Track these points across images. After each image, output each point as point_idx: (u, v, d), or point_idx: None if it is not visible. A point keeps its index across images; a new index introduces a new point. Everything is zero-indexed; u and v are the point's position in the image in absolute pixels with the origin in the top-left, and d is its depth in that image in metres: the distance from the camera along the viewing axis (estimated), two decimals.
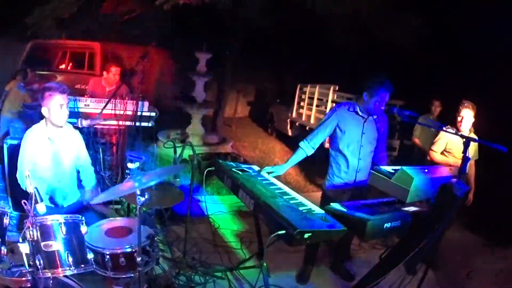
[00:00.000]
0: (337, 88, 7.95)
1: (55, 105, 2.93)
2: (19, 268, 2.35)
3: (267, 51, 11.80)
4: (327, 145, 3.73)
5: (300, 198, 2.84)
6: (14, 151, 3.41)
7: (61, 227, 2.28)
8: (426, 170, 2.63)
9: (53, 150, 3.06)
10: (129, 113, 4.41)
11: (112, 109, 4.33)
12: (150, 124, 4.68)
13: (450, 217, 2.48)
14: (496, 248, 4.83)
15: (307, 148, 3.44)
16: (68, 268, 2.28)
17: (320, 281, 3.77)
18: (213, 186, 5.94)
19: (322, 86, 8.57)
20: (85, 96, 4.77)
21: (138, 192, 2.24)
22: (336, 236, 2.63)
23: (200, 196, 5.33)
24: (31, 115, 5.26)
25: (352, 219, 2.46)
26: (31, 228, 2.21)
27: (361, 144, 3.39)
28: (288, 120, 9.89)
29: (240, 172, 3.20)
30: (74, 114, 4.08)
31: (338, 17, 7.91)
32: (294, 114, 9.58)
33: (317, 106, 8.50)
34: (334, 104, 7.16)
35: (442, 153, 4.15)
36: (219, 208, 5.27)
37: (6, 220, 2.39)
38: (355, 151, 3.41)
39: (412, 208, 2.65)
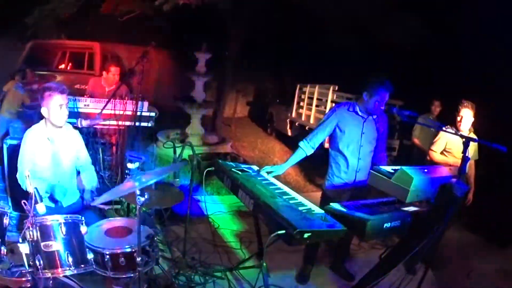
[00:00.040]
0: (336, 88, 7.96)
1: (55, 105, 2.93)
2: (19, 268, 2.34)
3: (267, 51, 11.81)
4: (326, 145, 3.73)
5: (300, 198, 2.84)
6: (14, 151, 3.41)
7: (61, 227, 2.28)
8: (425, 170, 2.63)
9: (53, 150, 3.06)
10: (129, 113, 4.41)
11: (111, 109, 4.33)
12: (149, 124, 4.68)
13: (450, 217, 2.48)
14: (496, 248, 4.83)
15: (306, 148, 3.44)
16: (68, 268, 2.28)
17: (320, 281, 3.77)
18: (213, 186, 5.94)
19: (321, 86, 8.57)
20: (85, 96, 4.76)
21: (138, 192, 2.24)
22: (336, 236, 2.63)
23: (200, 196, 5.33)
24: (30, 115, 5.26)
25: (351, 219, 2.45)
26: (31, 228, 2.21)
27: (360, 144, 3.39)
28: (288, 120, 9.89)
29: (240, 172, 3.20)
30: (74, 114, 4.08)
31: (338, 17, 7.92)
32: (293, 114, 9.59)
33: (316, 106, 8.50)
34: (333, 104, 7.16)
35: (441, 153, 4.15)
36: (218, 208, 5.27)
37: (6, 220, 2.38)
38: (355, 151, 3.41)
39: (411, 208, 2.65)
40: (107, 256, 2.37)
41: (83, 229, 2.38)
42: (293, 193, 2.93)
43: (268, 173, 3.33)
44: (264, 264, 2.99)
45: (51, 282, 2.30)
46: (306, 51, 11.11)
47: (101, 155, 4.58)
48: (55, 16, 9.40)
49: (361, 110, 3.38)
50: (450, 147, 4.08)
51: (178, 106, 7.80)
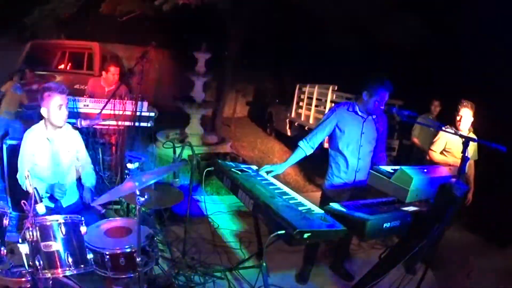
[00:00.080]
0: (336, 88, 7.95)
1: (54, 106, 2.93)
2: (18, 268, 2.34)
3: (266, 51, 11.81)
4: (326, 145, 3.73)
5: (300, 198, 2.83)
6: (14, 151, 3.41)
7: (60, 227, 2.28)
8: (425, 170, 2.63)
9: (52, 150, 3.06)
10: (128, 113, 4.41)
11: (111, 109, 4.33)
12: (149, 124, 4.67)
13: (450, 217, 2.48)
14: (496, 248, 4.84)
15: (306, 148, 3.44)
16: (67, 269, 2.28)
17: (319, 281, 3.77)
18: (212, 186, 5.95)
19: (321, 86, 8.57)
20: (84, 96, 4.76)
21: (138, 193, 2.24)
22: (336, 236, 2.63)
23: (200, 196, 5.33)
24: (30, 115, 5.26)
25: (351, 219, 2.45)
26: (30, 229, 2.20)
27: (360, 144, 3.39)
28: (287, 120, 9.89)
29: (239, 172, 3.20)
30: (73, 114, 4.07)
31: (338, 17, 7.92)
32: (293, 114, 9.59)
33: (316, 106, 8.51)
34: (333, 104, 7.17)
35: (441, 152, 4.15)
36: (218, 208, 5.27)
37: (5, 221, 2.39)
38: (355, 151, 3.41)
39: (411, 208, 2.65)
40: (107, 256, 2.37)
41: (83, 229, 2.38)
42: (293, 193, 2.93)
43: (267, 172, 3.33)
44: (264, 264, 2.99)
45: (51, 282, 2.30)
46: (306, 51, 11.11)
47: (100, 155, 4.57)
48: (55, 16, 9.41)
49: (360, 110, 3.38)
50: (450, 147, 4.08)
51: (177, 106, 7.80)
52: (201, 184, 5.62)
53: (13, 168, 3.16)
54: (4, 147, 3.84)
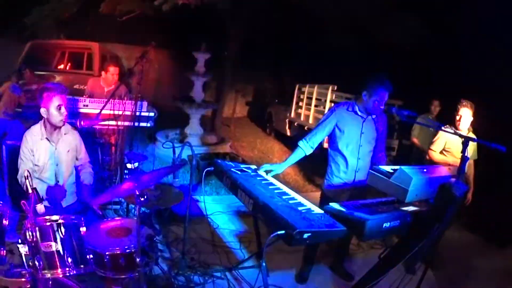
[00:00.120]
0: (335, 88, 7.95)
1: (54, 106, 2.93)
2: (18, 269, 2.34)
3: (266, 51, 11.81)
4: (326, 144, 3.73)
5: (299, 198, 2.83)
6: (13, 152, 3.41)
7: (60, 227, 2.28)
8: (425, 170, 2.63)
9: (52, 151, 3.06)
10: (128, 113, 4.41)
11: (111, 109, 4.33)
12: (149, 124, 4.68)
13: (449, 217, 2.48)
14: (496, 248, 4.84)
15: (306, 148, 3.44)
16: (67, 269, 2.28)
17: (319, 281, 3.77)
18: (212, 186, 5.95)
19: (320, 86, 8.57)
20: (84, 96, 4.77)
21: (137, 193, 2.24)
22: (335, 236, 2.63)
23: (199, 196, 5.33)
24: (30, 115, 5.25)
25: (351, 219, 2.45)
26: (30, 229, 2.21)
27: (360, 144, 3.39)
28: (287, 120, 9.89)
29: (239, 172, 3.20)
30: (73, 115, 4.08)
31: (337, 17, 7.92)
32: (292, 114, 9.59)
33: (315, 106, 8.50)
34: (332, 104, 7.17)
35: (441, 152, 4.16)
36: (218, 208, 5.27)
37: (5, 221, 2.39)
38: (354, 150, 3.41)
39: (411, 208, 2.65)
40: (107, 257, 2.37)
41: (83, 229, 2.38)
42: (293, 193, 2.93)
43: (267, 172, 3.33)
44: (264, 264, 2.99)
45: (50, 282, 2.30)
46: (305, 51, 11.11)
47: (100, 155, 4.58)
48: (55, 16, 9.41)
49: (360, 110, 3.38)
50: (449, 146, 4.08)
51: (177, 106, 7.81)
52: (200, 184, 5.62)
53: (13, 168, 3.16)
54: (4, 147, 3.83)
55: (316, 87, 8.61)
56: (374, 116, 3.41)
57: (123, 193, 2.58)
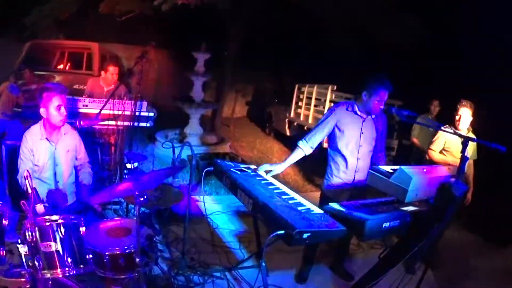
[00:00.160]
0: (335, 88, 7.95)
1: (53, 106, 2.93)
2: (18, 269, 2.34)
3: (266, 51, 11.80)
4: (325, 144, 3.73)
5: (299, 198, 2.83)
6: (13, 152, 3.41)
7: (60, 227, 2.28)
8: (424, 170, 2.63)
9: (52, 150, 3.06)
10: (128, 113, 4.41)
11: (110, 109, 4.33)
12: (148, 124, 4.67)
13: (449, 217, 2.48)
14: (495, 247, 4.84)
15: (305, 148, 3.43)
16: (67, 269, 2.28)
17: (319, 281, 3.77)
18: (212, 186, 5.95)
19: (320, 86, 8.56)
20: (84, 96, 4.76)
21: (137, 193, 2.24)
22: (335, 236, 2.63)
23: (199, 196, 5.33)
24: (29, 115, 5.23)
25: (350, 218, 2.45)
26: (30, 229, 2.20)
27: (359, 144, 3.39)
28: (286, 120, 9.89)
29: (239, 172, 3.20)
30: (73, 115, 4.07)
31: (337, 17, 7.92)
32: (292, 114, 9.58)
33: (315, 106, 8.50)
34: (332, 104, 7.16)
35: (440, 152, 4.16)
36: (217, 208, 5.27)
37: (5, 221, 2.38)
38: (354, 150, 3.40)
39: (411, 208, 2.65)
40: (106, 257, 2.37)
41: (82, 229, 2.38)
42: (292, 193, 2.93)
43: (266, 172, 3.33)
44: (263, 264, 2.99)
45: (50, 282, 2.30)
46: (305, 51, 11.10)
47: (100, 155, 4.57)
48: (54, 16, 9.40)
49: (360, 110, 3.38)
50: (449, 146, 4.08)
51: (177, 106, 7.80)
52: (200, 184, 5.62)
53: (13, 168, 3.16)
54: (4, 147, 3.83)
55: (315, 87, 8.60)
56: (374, 116, 3.41)
57: (123, 193, 2.57)
